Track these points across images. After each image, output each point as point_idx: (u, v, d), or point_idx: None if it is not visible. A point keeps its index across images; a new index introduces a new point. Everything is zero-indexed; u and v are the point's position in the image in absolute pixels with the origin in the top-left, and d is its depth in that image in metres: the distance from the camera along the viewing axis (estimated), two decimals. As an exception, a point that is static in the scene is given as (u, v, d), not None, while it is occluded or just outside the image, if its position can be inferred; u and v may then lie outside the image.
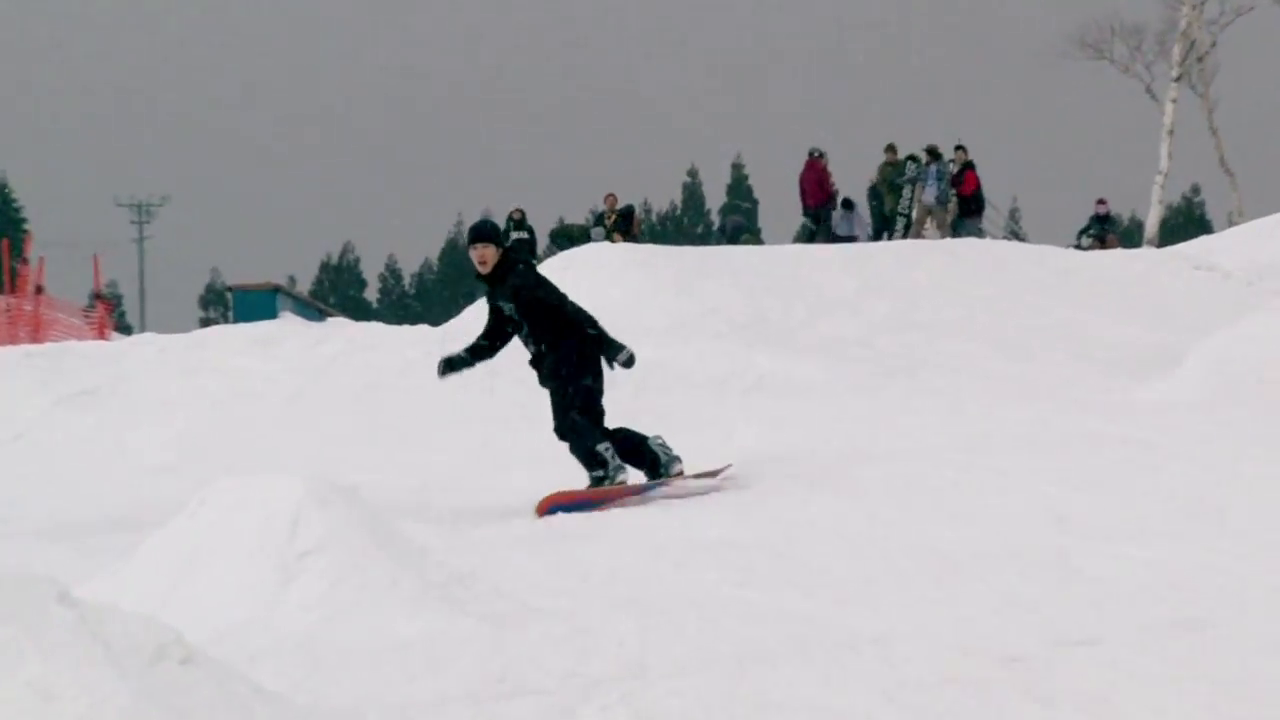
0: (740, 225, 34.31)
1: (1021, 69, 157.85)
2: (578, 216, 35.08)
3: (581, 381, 10.51)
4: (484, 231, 11.04)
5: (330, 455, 12.22)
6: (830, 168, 30.78)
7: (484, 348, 10.96)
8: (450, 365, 11.06)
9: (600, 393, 10.71)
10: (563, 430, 10.51)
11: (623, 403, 12.68)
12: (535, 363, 10.59)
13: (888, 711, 5.38)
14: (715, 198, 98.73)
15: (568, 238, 30.13)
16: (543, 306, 10.57)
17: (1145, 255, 28.50)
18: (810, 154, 30.65)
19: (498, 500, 10.89)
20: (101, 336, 24.57)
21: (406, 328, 19.11)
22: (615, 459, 10.46)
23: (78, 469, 13.36)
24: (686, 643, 6.44)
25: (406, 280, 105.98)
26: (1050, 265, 24.57)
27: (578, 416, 10.44)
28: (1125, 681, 5.65)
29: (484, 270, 10.76)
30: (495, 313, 10.89)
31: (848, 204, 30.05)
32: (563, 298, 10.67)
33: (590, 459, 10.41)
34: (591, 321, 10.57)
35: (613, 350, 10.47)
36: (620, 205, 32.12)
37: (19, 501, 11.98)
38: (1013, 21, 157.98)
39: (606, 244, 26.87)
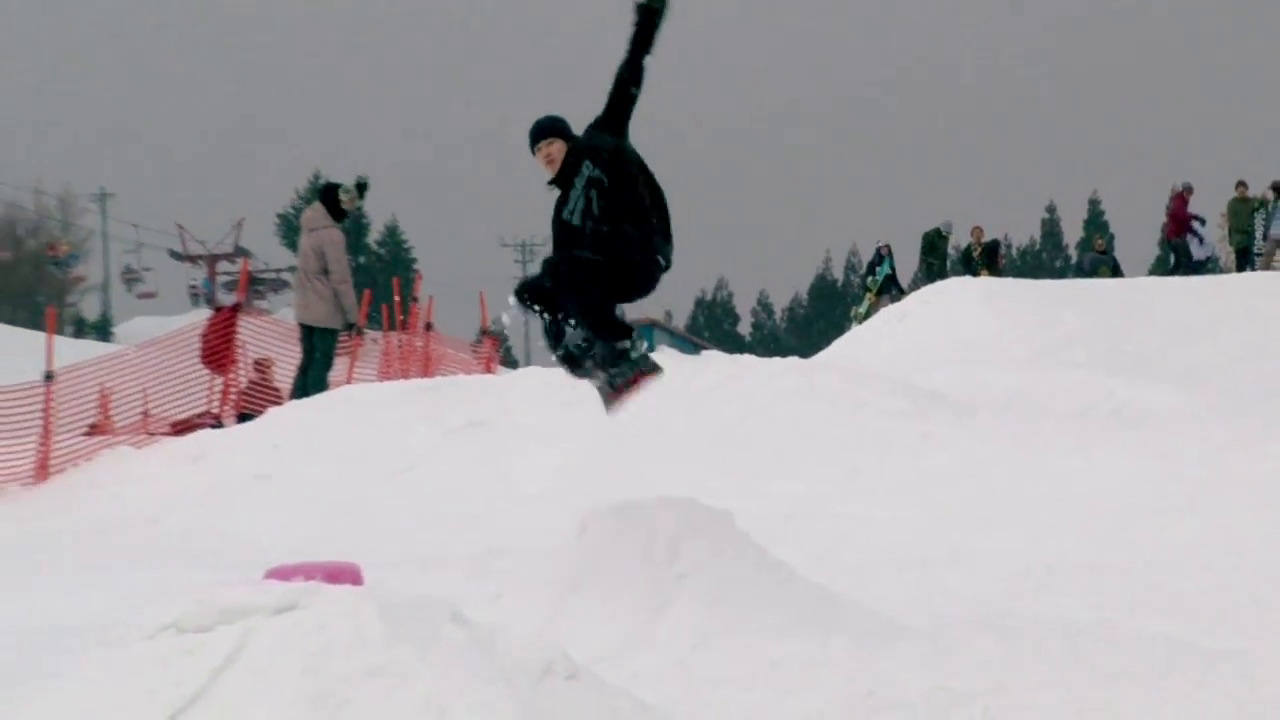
0: (1098, 260, 34.66)
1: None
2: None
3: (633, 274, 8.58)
4: (549, 126, 8.94)
5: (704, 483, 11.48)
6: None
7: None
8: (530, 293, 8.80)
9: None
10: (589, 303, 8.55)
11: (979, 429, 12.91)
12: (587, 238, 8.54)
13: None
14: (1073, 233, 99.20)
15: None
16: (634, 176, 8.67)
17: None
18: (1179, 188, 31.63)
19: (861, 527, 11.12)
20: (488, 371, 24.82)
21: (777, 360, 19.36)
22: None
23: (464, 498, 13.96)
24: (1046, 662, 6.56)
25: (778, 314, 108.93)
26: None
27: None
28: None
29: (553, 170, 8.84)
30: (561, 216, 8.89)
31: (1198, 220, 30.86)
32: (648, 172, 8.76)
33: (613, 328, 8.63)
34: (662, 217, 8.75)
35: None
36: (985, 239, 32.82)
37: (409, 531, 12.56)
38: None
39: (969, 277, 27.95)
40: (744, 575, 7.56)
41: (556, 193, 8.82)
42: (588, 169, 8.67)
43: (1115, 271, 34.03)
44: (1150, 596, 8.06)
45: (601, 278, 8.46)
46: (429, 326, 25.77)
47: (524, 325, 27.20)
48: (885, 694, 6.28)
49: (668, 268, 8.78)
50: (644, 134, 9.00)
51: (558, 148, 8.88)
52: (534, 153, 8.90)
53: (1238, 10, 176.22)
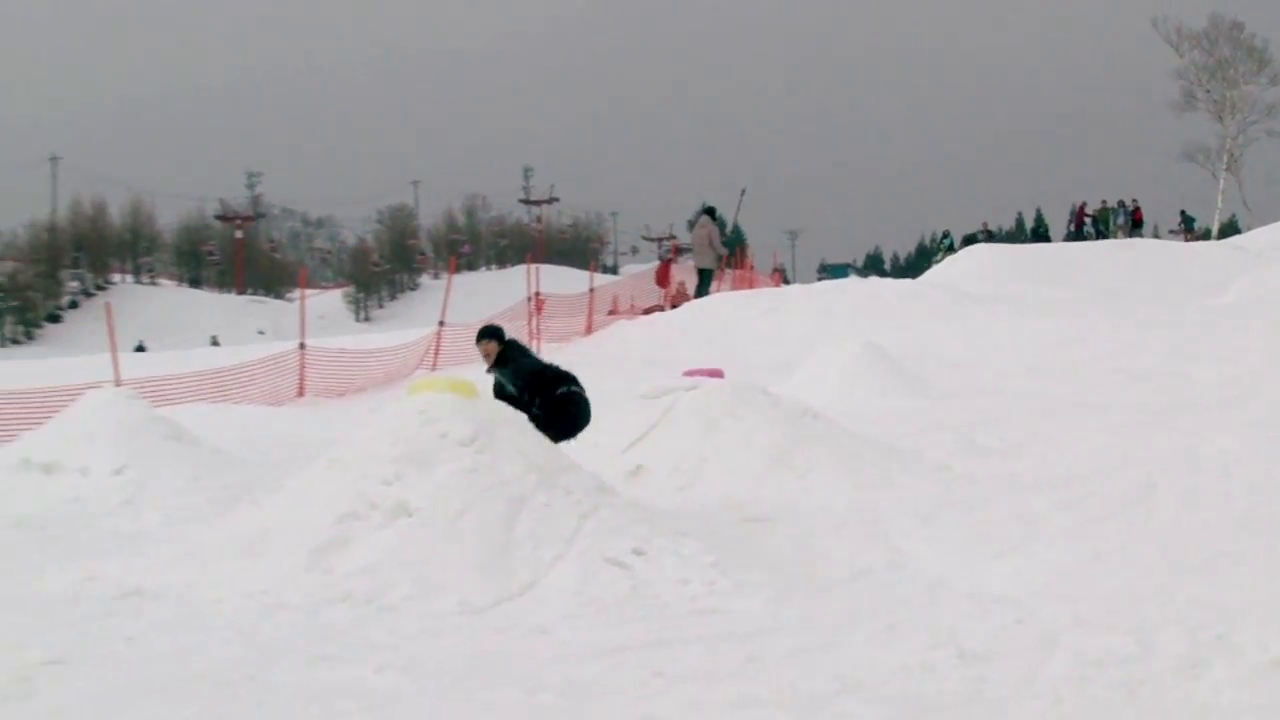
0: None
1: None
2: None
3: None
4: (488, 332, 13.84)
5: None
6: None
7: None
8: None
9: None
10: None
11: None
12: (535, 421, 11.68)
13: None
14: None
15: None
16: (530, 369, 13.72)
17: None
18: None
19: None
20: (778, 285, 46.43)
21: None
22: None
23: (760, 341, 27.72)
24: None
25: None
26: None
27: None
28: None
29: (489, 361, 13.71)
30: (505, 390, 13.50)
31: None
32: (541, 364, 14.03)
33: None
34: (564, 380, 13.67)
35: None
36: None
37: (742, 356, 24.50)
38: None
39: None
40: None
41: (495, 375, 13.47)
42: (510, 365, 13.50)
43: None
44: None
45: (543, 423, 11.93)
46: (778, 271, 47.45)
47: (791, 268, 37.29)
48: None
49: (580, 390, 13.46)
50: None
51: (493, 347, 13.60)
52: (478, 344, 13.73)
53: None
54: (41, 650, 8.01)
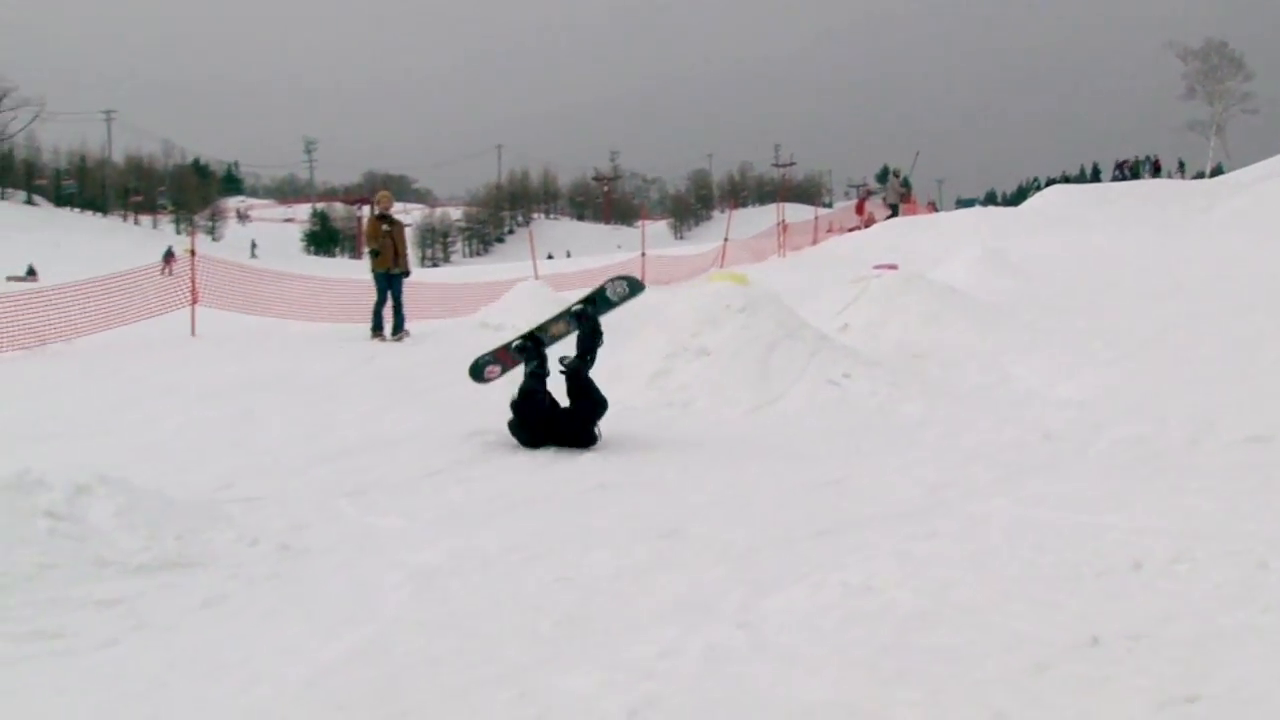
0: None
1: None
2: None
3: None
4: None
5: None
6: None
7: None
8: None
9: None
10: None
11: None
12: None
13: None
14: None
15: None
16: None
17: None
18: None
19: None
20: (922, 213, 40.40)
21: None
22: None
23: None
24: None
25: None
26: None
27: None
28: None
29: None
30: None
31: None
32: None
33: None
34: None
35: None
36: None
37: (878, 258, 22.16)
38: None
39: None
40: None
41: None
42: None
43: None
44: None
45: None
46: (931, 204, 46.36)
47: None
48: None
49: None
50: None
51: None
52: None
53: None
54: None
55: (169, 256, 20.93)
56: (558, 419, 8.70)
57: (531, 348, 9.13)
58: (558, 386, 8.90)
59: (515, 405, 8.73)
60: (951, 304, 13.85)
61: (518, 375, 9.02)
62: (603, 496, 7.19)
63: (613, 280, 9.51)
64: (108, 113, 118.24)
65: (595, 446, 8.53)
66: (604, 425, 8.99)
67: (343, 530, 6.47)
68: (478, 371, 9.58)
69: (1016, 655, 3.99)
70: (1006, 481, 7.09)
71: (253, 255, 69.25)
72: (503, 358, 9.46)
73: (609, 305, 9.53)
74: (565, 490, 7.44)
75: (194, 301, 17.48)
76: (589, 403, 8.70)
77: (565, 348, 9.27)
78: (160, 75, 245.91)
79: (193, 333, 16.80)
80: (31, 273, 48.07)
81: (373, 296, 16.34)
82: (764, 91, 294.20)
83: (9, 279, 44.44)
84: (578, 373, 8.75)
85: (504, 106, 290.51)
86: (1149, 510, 5.93)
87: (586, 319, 9.22)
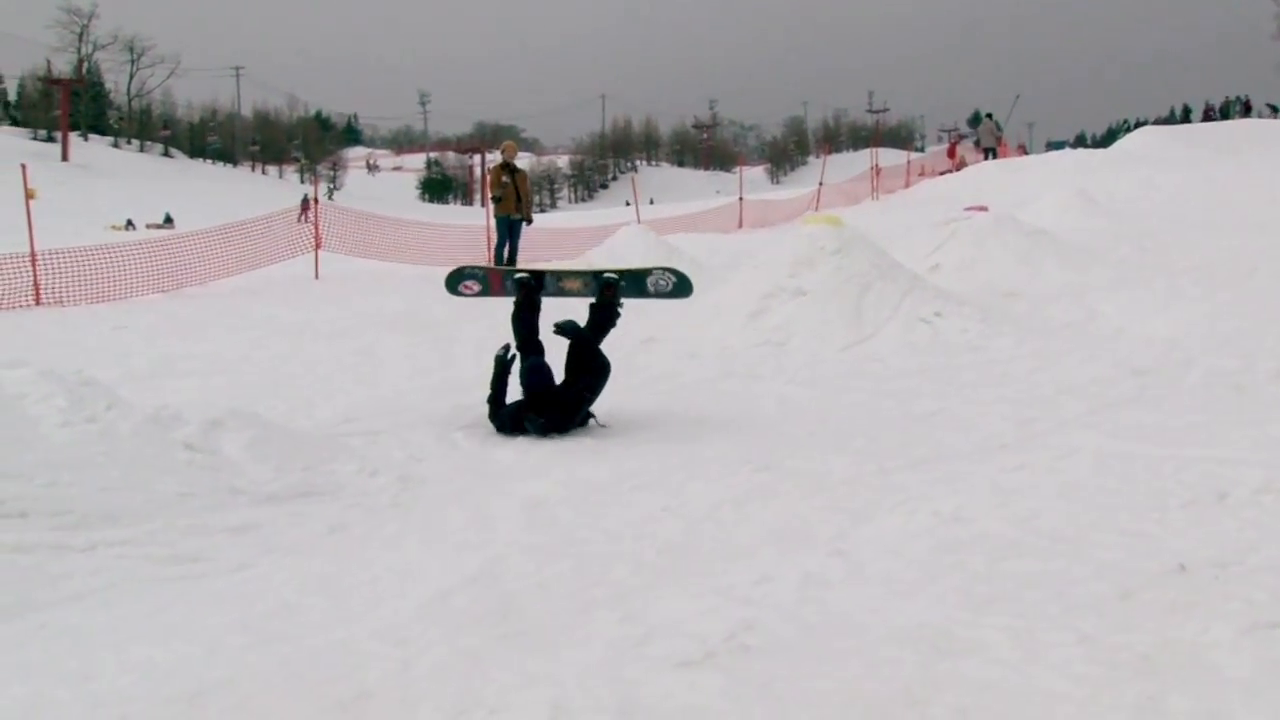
0: None
1: None
2: None
3: None
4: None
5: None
6: None
7: None
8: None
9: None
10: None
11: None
12: None
13: None
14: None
15: None
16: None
17: None
18: None
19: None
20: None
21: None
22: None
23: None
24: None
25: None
26: None
27: None
28: None
29: None
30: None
31: None
32: None
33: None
34: None
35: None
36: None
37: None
38: None
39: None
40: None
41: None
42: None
43: None
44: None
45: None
46: (1022, 146, 45.41)
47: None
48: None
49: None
50: None
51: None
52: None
53: None
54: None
55: (305, 204, 21.50)
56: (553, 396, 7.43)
57: (534, 285, 8.01)
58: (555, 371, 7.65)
59: (525, 381, 7.40)
60: (1041, 244, 13.72)
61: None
62: (701, 429, 7.25)
63: (663, 270, 8.24)
64: (237, 69, 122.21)
65: (680, 389, 8.10)
66: (706, 363, 9.19)
67: (458, 462, 6.60)
68: (456, 279, 8.41)
69: (1104, 582, 3.96)
70: (1095, 415, 7.06)
71: (329, 198, 67.28)
72: (493, 279, 8.38)
73: (641, 293, 8.18)
74: (668, 423, 7.52)
75: (317, 246, 17.87)
76: (589, 378, 7.45)
77: (561, 309, 7.92)
78: (286, 35, 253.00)
79: (316, 276, 17.08)
80: (169, 220, 48.33)
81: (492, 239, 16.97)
82: (859, 41, 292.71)
83: (148, 226, 45.26)
84: (588, 343, 7.54)
85: (607, 58, 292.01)
86: (1235, 442, 5.83)
87: (613, 293, 7.92)
